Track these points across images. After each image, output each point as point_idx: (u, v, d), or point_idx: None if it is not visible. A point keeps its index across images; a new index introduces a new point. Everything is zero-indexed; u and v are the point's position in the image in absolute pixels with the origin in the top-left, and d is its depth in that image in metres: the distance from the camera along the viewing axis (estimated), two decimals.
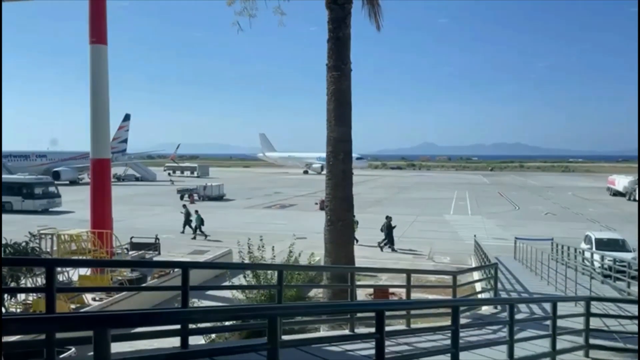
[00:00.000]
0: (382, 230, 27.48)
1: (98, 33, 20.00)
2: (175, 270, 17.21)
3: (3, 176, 43.35)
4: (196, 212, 31.38)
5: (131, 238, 23.30)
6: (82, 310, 14.93)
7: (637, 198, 52.81)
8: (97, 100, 20.31)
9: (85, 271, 17.98)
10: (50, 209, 41.19)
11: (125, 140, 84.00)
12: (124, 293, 16.10)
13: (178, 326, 5.96)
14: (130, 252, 21.90)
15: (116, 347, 4.34)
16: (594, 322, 8.89)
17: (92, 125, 20.46)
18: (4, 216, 33.59)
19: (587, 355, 8.39)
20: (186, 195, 52.47)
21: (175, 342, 6.29)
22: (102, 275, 17.78)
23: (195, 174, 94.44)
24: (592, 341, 8.47)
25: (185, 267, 6.81)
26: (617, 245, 21.35)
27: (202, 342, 10.77)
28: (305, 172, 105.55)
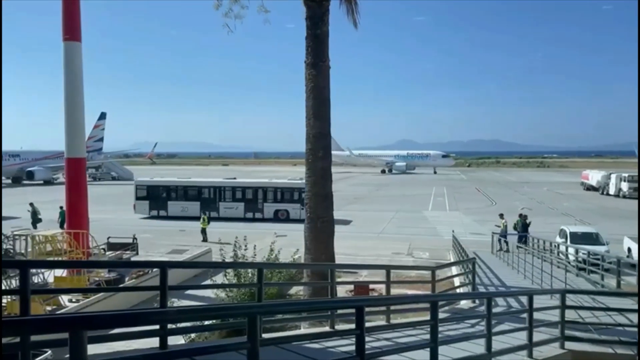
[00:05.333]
0: (515, 228, 25.44)
1: (72, 30, 19.61)
2: (154, 270, 17.03)
3: (267, 182, 38.67)
4: (60, 207, 30.79)
5: (108, 238, 22.98)
6: (58, 312, 14.66)
7: (610, 193, 54.08)
8: (71, 98, 19.93)
9: (61, 272, 17.66)
10: None
11: (101, 139, 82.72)
12: (101, 294, 15.85)
13: (157, 326, 5.90)
14: (107, 253, 21.60)
15: (93, 349, 4.28)
16: (569, 315, 9.07)
17: (67, 123, 20.06)
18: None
19: (562, 346, 8.56)
20: None
21: (154, 342, 6.23)
22: (79, 276, 17.49)
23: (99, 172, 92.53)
24: (567, 333, 8.64)
25: (164, 266, 6.74)
26: (591, 238, 21.86)
27: (182, 342, 10.69)
28: (383, 172, 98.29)
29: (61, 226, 28.76)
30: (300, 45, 14.43)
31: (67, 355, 3.10)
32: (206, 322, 8.44)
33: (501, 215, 26.31)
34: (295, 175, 44.49)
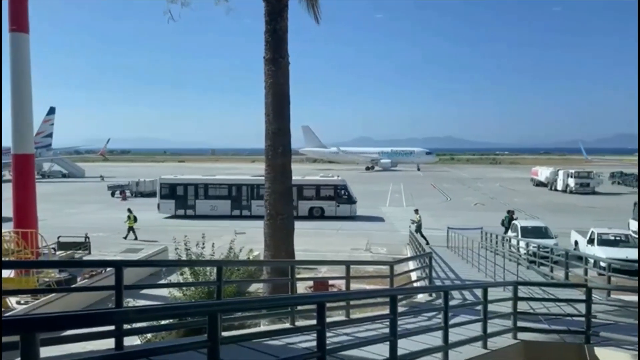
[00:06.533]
0: (502, 224, 25.67)
1: (18, 20, 18.74)
2: (108, 269, 16.57)
3: (302, 179, 36.68)
4: None
5: (58, 237, 22.18)
6: (6, 314, 14.05)
7: (558, 188, 56.34)
8: (18, 92, 19.06)
9: (8, 273, 16.94)
10: (354, 214, 36.81)
11: (50, 135, 79.74)
12: (52, 295, 15.29)
13: (111, 327, 5.74)
14: (57, 252, 20.85)
15: (46, 352, 4.12)
16: (521, 306, 9.39)
17: (14, 118, 19.18)
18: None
19: (515, 337, 8.86)
20: (118, 192, 50.50)
21: (109, 344, 6.06)
22: (27, 277, 16.80)
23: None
24: (519, 324, 8.95)
25: (119, 265, 6.59)
26: (540, 232, 22.73)
27: (138, 342, 10.44)
28: (367, 169, 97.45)
29: None
30: (259, 41, 14.28)
31: (18, 359, 2.98)
32: (163, 322, 8.27)
33: (416, 211, 27.27)
34: (255, 172, 44.15)
